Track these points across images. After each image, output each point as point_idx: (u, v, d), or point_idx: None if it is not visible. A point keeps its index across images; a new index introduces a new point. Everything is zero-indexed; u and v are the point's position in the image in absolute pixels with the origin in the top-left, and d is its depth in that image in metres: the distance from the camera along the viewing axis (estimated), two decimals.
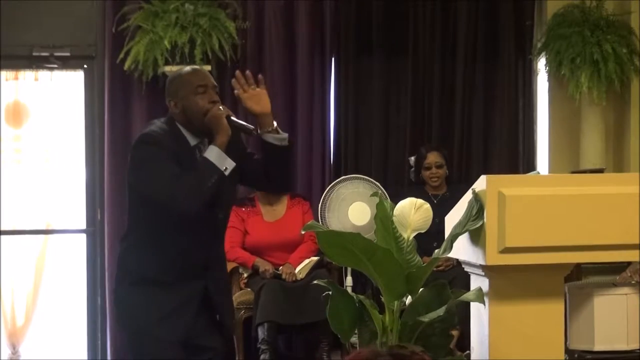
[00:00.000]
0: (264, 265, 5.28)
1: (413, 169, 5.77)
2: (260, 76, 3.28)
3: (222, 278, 3.40)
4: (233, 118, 3.20)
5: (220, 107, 3.19)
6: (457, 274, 4.94)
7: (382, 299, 3.02)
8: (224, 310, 3.35)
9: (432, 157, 5.66)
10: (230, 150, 3.14)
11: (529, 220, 2.87)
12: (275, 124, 3.25)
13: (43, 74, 5.95)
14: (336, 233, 3.15)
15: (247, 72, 3.27)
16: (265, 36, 5.88)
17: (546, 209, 2.89)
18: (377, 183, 5.49)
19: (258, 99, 3.23)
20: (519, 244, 2.86)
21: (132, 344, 3.31)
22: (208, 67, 5.50)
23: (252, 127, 3.22)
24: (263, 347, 5.03)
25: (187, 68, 3.34)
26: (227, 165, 3.11)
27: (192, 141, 3.21)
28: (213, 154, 3.11)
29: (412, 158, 5.79)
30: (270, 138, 3.23)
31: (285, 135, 3.25)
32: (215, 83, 3.26)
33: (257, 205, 5.50)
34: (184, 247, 3.19)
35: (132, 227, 3.29)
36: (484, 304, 2.90)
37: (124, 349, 3.35)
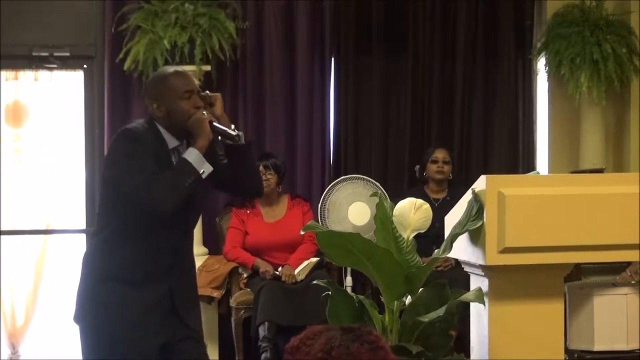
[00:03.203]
0: (264, 267, 5.28)
1: (419, 167, 5.75)
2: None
3: (189, 282, 3.33)
4: (215, 124, 3.18)
5: (204, 112, 3.17)
6: (456, 275, 4.93)
7: (382, 299, 3.03)
8: (188, 316, 3.26)
9: (441, 153, 5.66)
10: (208, 155, 3.14)
11: (529, 220, 2.87)
12: (233, 126, 3.23)
13: (43, 74, 5.94)
14: (336, 233, 3.16)
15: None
16: (265, 36, 5.88)
17: (546, 209, 2.89)
18: (376, 183, 5.49)
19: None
20: (519, 244, 2.87)
21: (101, 345, 3.20)
22: (207, 67, 5.51)
23: (234, 133, 3.20)
24: (264, 344, 5.03)
25: (170, 69, 3.29)
26: (204, 169, 3.11)
27: (172, 143, 3.20)
28: (192, 156, 3.11)
29: (418, 166, 5.78)
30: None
31: (240, 133, 3.23)
32: (198, 87, 3.25)
33: (257, 206, 5.50)
34: (153, 247, 3.17)
35: (104, 224, 3.25)
36: (484, 304, 2.90)
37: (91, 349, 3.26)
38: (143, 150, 3.09)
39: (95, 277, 3.21)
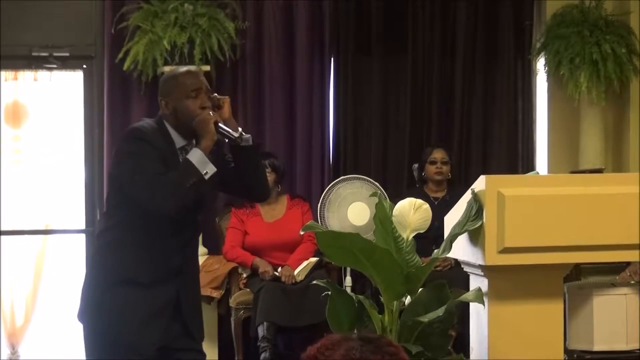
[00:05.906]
0: (264, 267, 5.27)
1: (417, 166, 5.76)
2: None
3: (194, 284, 3.34)
4: (221, 125, 3.18)
5: (210, 113, 3.16)
6: (456, 275, 4.93)
7: (382, 299, 3.03)
8: (193, 322, 3.27)
9: (439, 153, 5.65)
10: (213, 156, 3.13)
11: (528, 221, 2.87)
12: (240, 129, 3.22)
13: (42, 74, 5.94)
14: (335, 233, 3.16)
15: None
16: (264, 36, 5.88)
17: (545, 209, 2.89)
18: (376, 183, 5.49)
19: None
20: (518, 244, 2.87)
21: (102, 347, 3.20)
22: (207, 68, 5.50)
23: (237, 135, 3.19)
24: (263, 344, 5.03)
25: (183, 69, 3.30)
26: (208, 169, 3.09)
27: (179, 143, 3.19)
28: (196, 157, 3.09)
29: (416, 165, 5.79)
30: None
31: (248, 136, 3.23)
32: (208, 86, 3.24)
33: (257, 206, 5.50)
34: (161, 249, 3.16)
35: (111, 224, 3.24)
36: (483, 304, 2.91)
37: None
38: (149, 149, 3.07)
39: (102, 278, 3.20)
